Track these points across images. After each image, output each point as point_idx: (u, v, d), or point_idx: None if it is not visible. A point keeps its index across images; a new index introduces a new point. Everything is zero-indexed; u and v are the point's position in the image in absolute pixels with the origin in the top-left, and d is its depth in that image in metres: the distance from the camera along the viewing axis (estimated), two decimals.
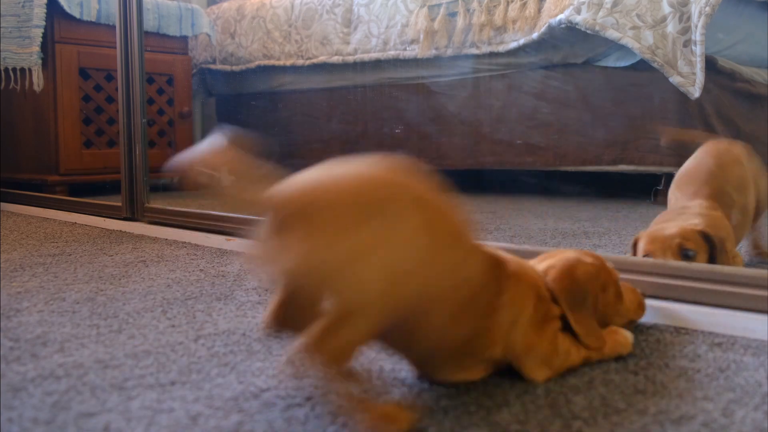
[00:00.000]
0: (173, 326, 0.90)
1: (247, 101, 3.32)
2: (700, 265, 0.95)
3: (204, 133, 3.48)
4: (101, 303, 1.02)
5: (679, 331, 0.85)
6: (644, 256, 1.08)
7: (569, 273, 0.73)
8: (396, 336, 0.62)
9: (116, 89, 2.79)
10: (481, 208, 2.13)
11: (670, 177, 1.92)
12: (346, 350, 0.55)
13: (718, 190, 1.18)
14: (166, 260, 1.36)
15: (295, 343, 0.55)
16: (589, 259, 0.75)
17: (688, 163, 1.28)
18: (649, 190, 2.17)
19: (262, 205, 0.59)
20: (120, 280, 1.18)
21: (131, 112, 1.85)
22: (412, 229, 0.56)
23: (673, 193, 1.26)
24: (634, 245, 1.11)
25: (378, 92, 2.79)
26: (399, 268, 0.55)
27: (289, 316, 0.61)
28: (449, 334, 0.62)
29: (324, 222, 0.55)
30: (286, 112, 3.14)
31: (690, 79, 1.94)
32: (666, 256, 1.05)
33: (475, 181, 2.79)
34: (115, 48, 1.89)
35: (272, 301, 0.62)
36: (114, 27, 2.77)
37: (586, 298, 0.72)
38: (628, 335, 0.76)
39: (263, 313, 0.62)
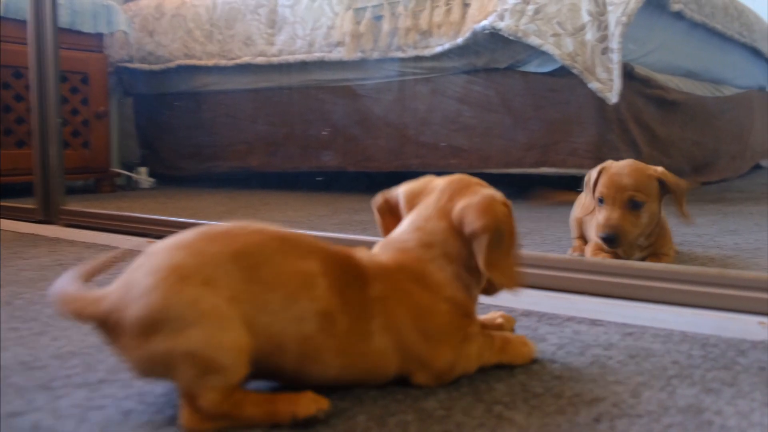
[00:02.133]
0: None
1: (168, 101, 3.29)
2: (615, 261, 1.03)
3: (122, 134, 3.42)
4: (19, 306, 1.02)
5: (594, 322, 0.92)
6: (599, 196, 1.20)
7: (491, 209, 0.70)
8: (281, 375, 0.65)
9: (25, 87, 2.73)
10: None
11: None
12: (221, 409, 0.59)
13: None
14: (85, 263, 1.35)
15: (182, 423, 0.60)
16: (501, 199, 0.73)
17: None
18: (570, 191, 2.27)
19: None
20: (38, 283, 1.17)
21: (45, 111, 1.82)
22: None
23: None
24: (598, 173, 1.22)
25: (304, 94, 2.81)
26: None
27: None
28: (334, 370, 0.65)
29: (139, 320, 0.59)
30: (209, 113, 3.13)
31: (608, 85, 2.05)
32: (614, 208, 1.18)
33: (400, 182, 2.86)
34: (24, 44, 1.86)
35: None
36: (22, 21, 2.71)
37: (503, 236, 0.70)
38: (532, 348, 0.77)
39: None
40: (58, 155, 1.80)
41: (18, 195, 2.51)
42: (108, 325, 0.61)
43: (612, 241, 1.18)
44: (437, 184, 0.76)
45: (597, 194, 1.22)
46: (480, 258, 0.69)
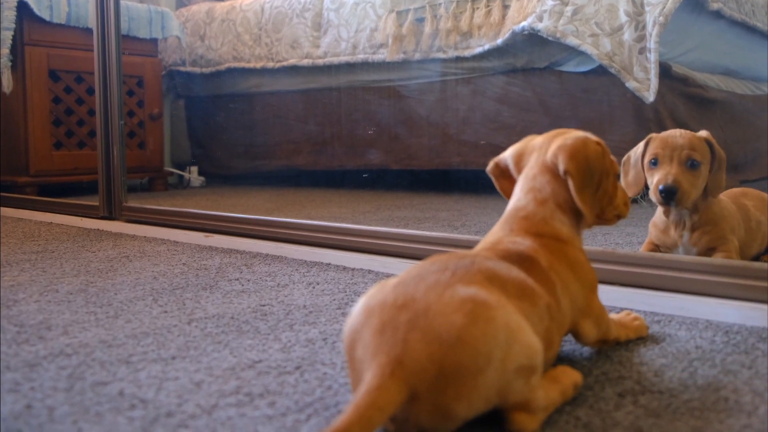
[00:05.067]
0: (165, 312, 0.99)
1: (218, 103, 3.40)
2: (645, 254, 1.07)
3: (174, 134, 3.54)
4: (93, 293, 1.11)
5: (625, 311, 0.96)
6: (652, 158, 1.20)
7: (582, 150, 0.75)
8: None
9: (86, 91, 2.86)
10: (447, 206, 2.25)
11: None
12: (544, 404, 0.61)
13: None
14: (149, 255, 1.44)
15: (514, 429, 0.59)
16: (595, 139, 0.78)
17: None
18: None
19: (392, 393, 0.54)
20: (107, 273, 1.26)
21: (108, 113, 1.92)
22: None
23: None
24: (646, 144, 1.23)
25: (349, 94, 2.89)
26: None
27: None
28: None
29: (466, 363, 0.56)
30: (257, 114, 3.23)
31: (645, 84, 2.08)
32: (672, 164, 1.17)
33: (442, 180, 2.92)
34: (86, 50, 1.97)
35: None
36: (84, 29, 2.85)
37: (594, 177, 0.75)
38: (643, 324, 0.86)
39: None
40: (120, 155, 1.91)
41: (79, 193, 2.63)
42: (411, 393, 0.54)
43: (671, 194, 1.15)
44: (537, 141, 0.82)
45: (650, 156, 1.20)
46: (574, 197, 0.74)
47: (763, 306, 0.91)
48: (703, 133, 1.21)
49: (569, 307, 0.72)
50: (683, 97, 2.36)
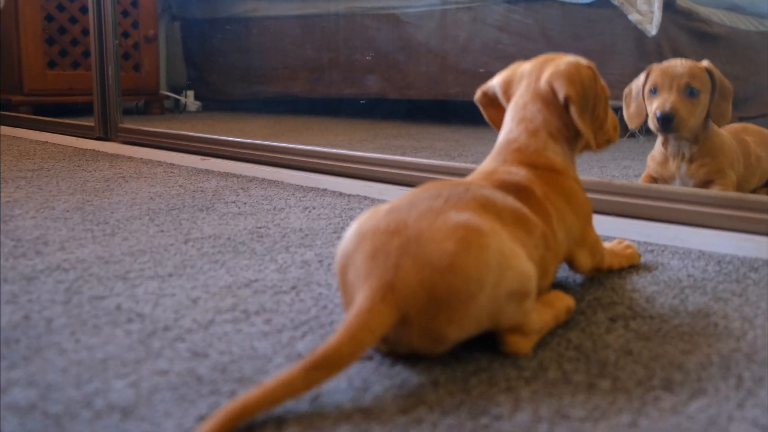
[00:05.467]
0: (162, 231, 0.99)
1: (215, 26, 3.33)
2: (638, 184, 1.07)
3: (170, 58, 3.48)
4: (90, 211, 1.10)
5: (617, 240, 0.97)
6: (651, 87, 1.20)
7: (577, 74, 0.74)
8: None
9: (79, 10, 2.79)
10: (445, 136, 2.23)
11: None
12: (538, 326, 0.61)
13: None
14: (145, 177, 1.43)
15: (508, 350, 0.59)
16: (586, 63, 0.76)
17: None
18: None
19: (383, 316, 0.54)
20: (103, 192, 1.26)
21: (103, 33, 1.88)
22: None
23: None
24: (647, 74, 1.22)
25: (349, 21, 2.83)
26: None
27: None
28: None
29: (458, 289, 0.55)
30: (255, 39, 3.17)
31: (648, 17, 2.04)
32: (671, 92, 1.17)
33: (440, 110, 2.89)
34: None
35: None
36: None
37: (589, 101, 0.74)
38: (635, 252, 0.86)
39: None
40: (115, 75, 1.87)
41: (74, 114, 2.60)
42: (402, 318, 0.54)
43: (668, 120, 1.15)
44: (525, 68, 0.79)
45: (650, 85, 1.20)
46: (576, 122, 0.73)
47: (756, 237, 0.91)
48: (705, 62, 1.19)
49: (565, 237, 0.72)
50: (686, 31, 2.32)
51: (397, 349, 0.57)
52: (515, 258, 0.58)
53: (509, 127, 0.77)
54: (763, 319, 0.68)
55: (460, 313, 0.55)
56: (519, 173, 0.72)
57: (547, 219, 0.69)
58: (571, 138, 0.76)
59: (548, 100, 0.75)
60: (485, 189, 0.66)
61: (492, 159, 0.76)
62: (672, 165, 1.23)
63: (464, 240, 0.56)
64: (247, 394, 0.46)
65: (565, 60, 0.76)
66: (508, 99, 0.79)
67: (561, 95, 0.73)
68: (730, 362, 0.58)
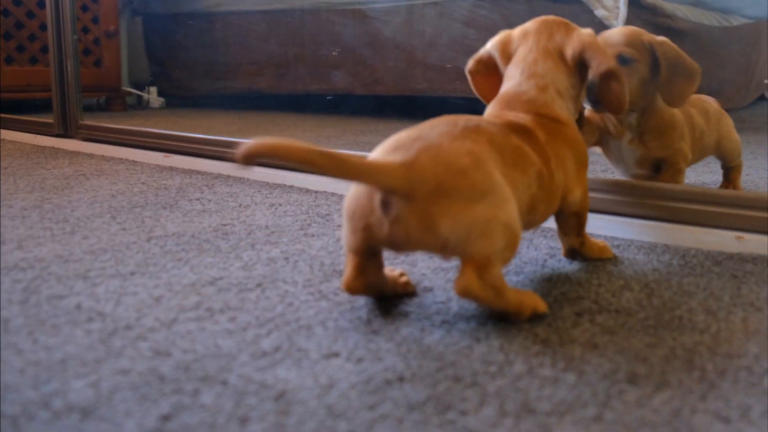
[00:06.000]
0: (124, 229, 0.98)
1: (178, 21, 3.29)
2: (607, 179, 1.08)
3: (131, 54, 3.43)
4: (49, 209, 1.08)
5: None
6: None
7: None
8: None
9: (37, 5, 2.74)
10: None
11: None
12: (495, 278, 0.63)
13: None
14: (106, 174, 1.41)
15: (460, 284, 0.62)
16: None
17: None
18: None
19: (396, 175, 0.61)
20: (63, 190, 1.24)
21: (61, 27, 1.85)
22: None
23: None
24: None
25: (314, 15, 2.82)
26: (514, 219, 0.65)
27: (365, 278, 0.67)
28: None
29: (462, 190, 0.62)
30: (219, 34, 3.14)
31: (614, 12, 2.06)
32: None
33: (408, 106, 2.89)
34: None
35: (350, 266, 0.67)
36: None
37: None
38: (607, 246, 0.90)
39: (344, 277, 0.67)
40: (74, 70, 1.84)
41: (33, 111, 2.55)
42: (409, 191, 0.60)
43: (598, 103, 1.00)
44: (528, 27, 0.86)
45: None
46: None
47: (719, 231, 0.93)
48: (659, 38, 1.11)
49: (562, 181, 0.78)
50: (651, 26, 2.35)
51: (394, 241, 0.63)
52: (514, 221, 0.64)
53: (518, 80, 0.83)
54: (725, 312, 0.69)
55: (457, 209, 0.61)
56: (525, 118, 0.78)
57: (546, 161, 0.75)
58: (575, 97, 0.84)
59: (558, 59, 0.82)
60: (493, 126, 0.72)
61: (498, 107, 0.82)
62: (618, 130, 1.15)
63: (478, 161, 0.64)
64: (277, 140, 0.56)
65: (585, 31, 0.85)
66: (507, 58, 0.85)
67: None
68: (693, 355, 0.59)
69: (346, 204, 0.66)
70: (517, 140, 0.72)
